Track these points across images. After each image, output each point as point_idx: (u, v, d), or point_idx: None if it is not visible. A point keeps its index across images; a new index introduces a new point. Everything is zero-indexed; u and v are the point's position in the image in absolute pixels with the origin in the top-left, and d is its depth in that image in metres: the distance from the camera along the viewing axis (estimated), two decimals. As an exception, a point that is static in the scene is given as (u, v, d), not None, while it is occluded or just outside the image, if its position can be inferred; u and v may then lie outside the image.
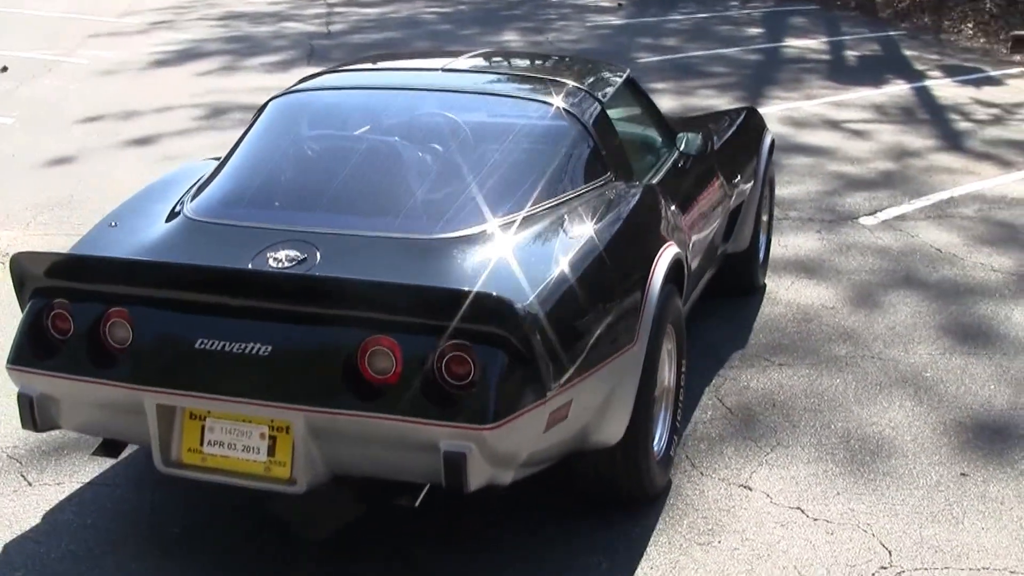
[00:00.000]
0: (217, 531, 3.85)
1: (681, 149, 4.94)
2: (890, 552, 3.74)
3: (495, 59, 5.30)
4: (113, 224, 3.93)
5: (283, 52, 13.33)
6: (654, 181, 4.47)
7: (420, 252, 3.51)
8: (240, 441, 3.29)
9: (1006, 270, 6.60)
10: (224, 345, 3.22)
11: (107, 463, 4.19)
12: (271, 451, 3.26)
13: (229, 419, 3.29)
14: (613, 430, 3.52)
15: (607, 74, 4.91)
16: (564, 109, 4.25)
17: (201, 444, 3.33)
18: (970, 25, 17.16)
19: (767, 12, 18.60)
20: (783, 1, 20.07)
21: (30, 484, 4.06)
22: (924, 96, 12.04)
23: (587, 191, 3.97)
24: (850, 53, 14.81)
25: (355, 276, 3.29)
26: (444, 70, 4.73)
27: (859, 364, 5.24)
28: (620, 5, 18.70)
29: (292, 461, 3.23)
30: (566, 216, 3.75)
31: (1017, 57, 14.90)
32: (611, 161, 4.19)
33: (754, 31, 16.48)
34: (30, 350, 3.39)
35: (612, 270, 3.60)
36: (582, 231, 3.66)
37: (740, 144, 5.68)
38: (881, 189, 8.28)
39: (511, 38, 14.85)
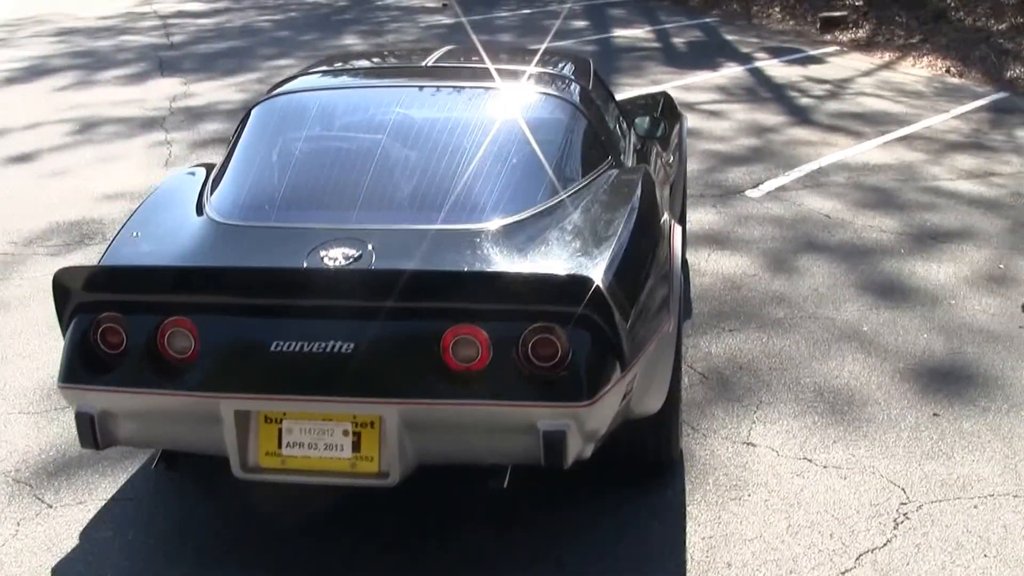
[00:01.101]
0: (264, 537, 3.84)
1: (640, 133, 5.13)
2: (903, 489, 4.02)
3: (467, 55, 5.39)
4: (136, 235, 3.83)
5: (133, 64, 13.03)
6: (631, 164, 4.64)
7: (471, 242, 3.57)
8: (322, 440, 3.29)
9: (893, 230, 7.04)
10: (303, 345, 3.20)
11: (119, 478, 4.15)
12: (356, 447, 3.28)
13: (308, 419, 3.29)
14: (656, 400, 3.69)
15: (579, 63, 5.07)
16: (564, 98, 4.40)
17: (279, 447, 3.31)
18: (777, 9, 17.94)
19: (586, 6, 19.03)
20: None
21: (51, 506, 3.98)
22: (759, 76, 12.59)
23: (598, 176, 4.11)
24: (677, 40, 15.33)
25: (415, 269, 3.34)
26: (428, 66, 4.78)
27: (801, 324, 5.55)
28: (445, 5, 18.86)
29: (380, 455, 3.26)
30: (591, 200, 3.88)
31: (828, 36, 15.66)
32: (608, 146, 4.37)
33: (580, 24, 16.86)
34: (84, 367, 3.30)
35: (648, 249, 3.76)
36: (612, 215, 3.79)
37: (668, 126, 5.93)
38: (754, 163, 8.67)
39: (352, 41, 14.84)
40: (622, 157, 4.49)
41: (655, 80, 12.10)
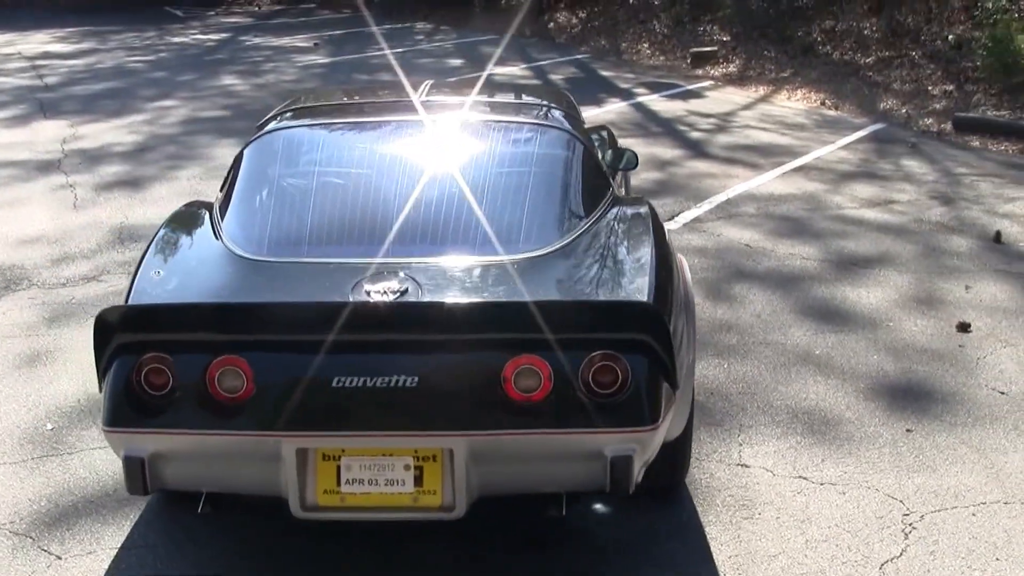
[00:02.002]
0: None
1: (608, 164, 5.27)
2: (901, 501, 4.21)
3: (453, 89, 5.45)
4: (158, 273, 3.72)
5: (12, 107, 12.71)
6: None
7: (512, 274, 3.62)
8: (382, 476, 3.29)
9: (815, 258, 7.33)
10: (365, 381, 3.20)
11: (123, 525, 4.08)
12: (418, 481, 3.29)
13: (367, 455, 3.28)
14: (680, 424, 3.80)
15: (562, 96, 5.19)
16: (568, 131, 4.49)
17: (338, 484, 3.30)
18: (646, 45, 18.42)
19: (457, 43, 19.27)
20: (466, 33, 20.84)
21: (60, 558, 3.89)
22: (644, 111, 12.92)
23: (608, 206, 4.22)
24: (555, 77, 15.61)
25: (476, 301, 3.39)
26: (425, 101, 4.83)
27: (755, 350, 5.74)
28: (316, 45, 18.87)
29: (443, 487, 3.28)
30: (611, 230, 3.99)
31: (700, 71, 16.14)
32: (607, 177, 4.49)
33: (456, 61, 17.05)
34: (132, 409, 3.23)
35: (672, 278, 3.88)
36: (636, 244, 3.90)
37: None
38: (664, 196, 8.91)
39: (231, 81, 14.74)
40: (614, 188, 4.62)
41: (548, 116, 12.26)
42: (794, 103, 13.63)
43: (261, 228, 3.89)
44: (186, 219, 4.20)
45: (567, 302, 3.44)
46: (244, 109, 12.65)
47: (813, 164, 10.13)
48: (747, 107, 13.32)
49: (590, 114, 12.19)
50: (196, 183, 9.17)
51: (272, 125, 4.54)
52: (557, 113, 4.71)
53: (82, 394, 5.15)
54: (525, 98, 4.99)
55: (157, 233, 4.08)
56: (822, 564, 3.77)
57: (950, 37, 14.46)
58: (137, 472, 3.27)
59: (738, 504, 4.16)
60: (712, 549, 3.89)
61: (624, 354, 3.23)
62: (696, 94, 14.17)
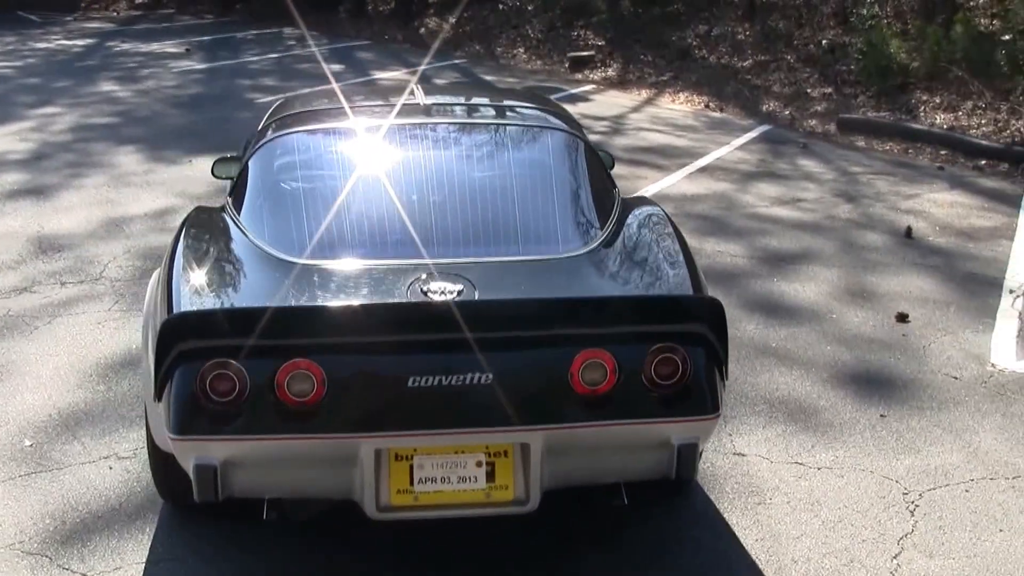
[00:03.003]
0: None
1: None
2: (896, 481, 4.42)
3: (450, 92, 5.47)
4: (198, 279, 3.61)
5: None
6: None
7: (562, 271, 3.71)
8: (454, 473, 3.33)
9: (743, 255, 7.58)
10: (440, 379, 3.22)
11: (140, 538, 4.01)
12: (490, 477, 3.34)
13: (439, 453, 3.31)
14: None
15: (548, 99, 5.27)
16: (576, 134, 4.58)
17: (411, 483, 3.32)
18: (522, 50, 18.61)
19: (331, 49, 19.17)
20: (336, 38, 20.73)
21: None
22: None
23: (620, 205, 4.34)
24: (442, 82, 15.65)
25: (544, 297, 3.47)
26: (427, 105, 4.86)
27: (714, 344, 5.91)
28: (187, 50, 18.57)
29: (514, 482, 3.34)
30: (636, 228, 4.10)
31: (579, 76, 16.40)
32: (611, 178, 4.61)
33: (336, 67, 16.95)
34: (202, 417, 3.18)
35: (699, 271, 4.01)
36: (664, 241, 4.01)
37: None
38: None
39: (111, 88, 14.41)
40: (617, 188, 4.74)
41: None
42: (679, 106, 13.95)
43: (301, 232, 3.86)
44: (205, 226, 4.12)
45: (632, 297, 3.54)
46: (133, 116, 12.41)
47: (716, 165, 10.40)
48: (635, 110, 13.59)
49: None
50: (106, 191, 8.98)
51: (282, 129, 4.50)
52: (556, 116, 4.80)
53: (50, 407, 5.03)
54: (519, 101, 5.06)
55: (178, 242, 3.99)
56: (844, 543, 3.94)
57: (824, 42, 14.97)
58: (209, 480, 3.24)
59: (747, 491, 4.31)
60: (736, 533, 4.01)
61: (684, 346, 3.33)
62: (582, 98, 14.39)
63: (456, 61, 17.85)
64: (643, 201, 4.46)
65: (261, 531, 3.99)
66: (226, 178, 5.14)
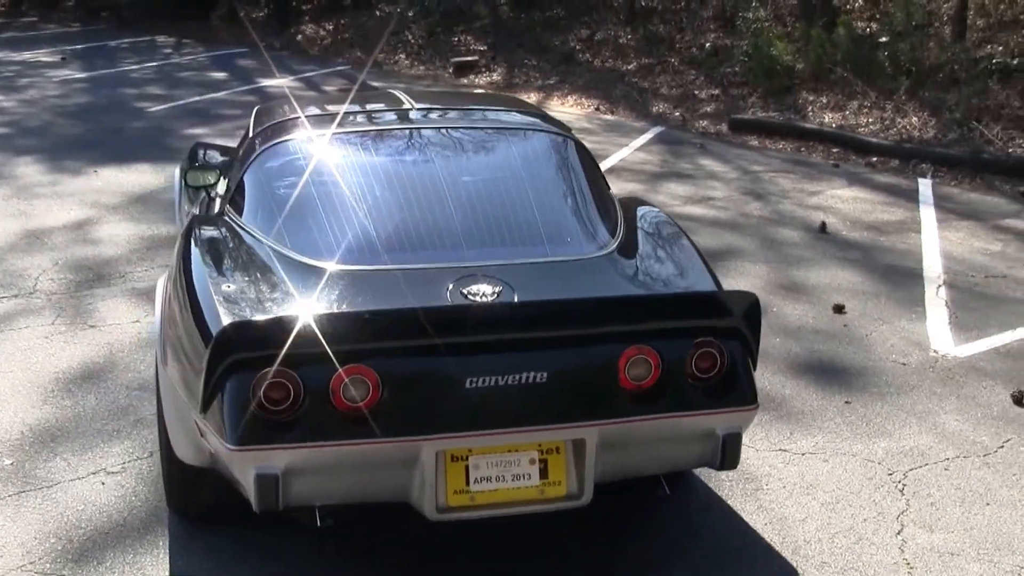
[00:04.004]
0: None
1: None
2: (879, 463, 4.64)
3: (443, 100, 5.51)
4: (228, 287, 3.59)
5: None
6: None
7: (592, 271, 3.80)
8: (508, 471, 3.39)
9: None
10: (497, 379, 3.28)
11: (155, 552, 3.97)
12: (543, 473, 3.40)
13: (494, 452, 3.36)
14: None
15: (531, 104, 5.37)
16: (572, 138, 4.70)
17: (467, 484, 3.36)
18: (403, 56, 18.66)
19: (211, 57, 18.94)
20: (213, 46, 20.48)
21: (110, 592, 3.80)
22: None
23: (620, 204, 4.47)
24: (330, 88, 15.64)
25: (591, 296, 3.56)
26: (422, 110, 4.90)
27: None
28: (64, 59, 18.16)
29: (567, 477, 3.42)
30: (646, 227, 4.23)
31: (464, 80, 16.53)
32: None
33: (220, 75, 16.78)
34: (261, 427, 3.16)
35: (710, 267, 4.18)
36: (676, 239, 4.16)
37: None
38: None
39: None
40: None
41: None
42: (569, 108, 14.17)
43: (328, 237, 3.85)
44: (215, 236, 4.06)
45: (676, 294, 3.68)
46: (24, 126, 12.13)
47: (621, 167, 10.61)
48: (530, 114, 13.71)
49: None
50: (16, 203, 8.79)
51: (282, 134, 4.48)
52: (547, 119, 4.91)
53: (20, 424, 4.94)
54: (506, 105, 5.15)
55: (190, 254, 3.95)
56: (847, 523, 4.13)
57: (707, 45, 15.36)
58: (271, 489, 3.22)
59: (742, 478, 4.47)
60: (745, 519, 4.17)
61: (721, 340, 3.47)
62: (474, 103, 14.46)
63: (340, 68, 17.80)
64: (636, 201, 4.60)
65: (276, 537, 4.02)
66: (201, 187, 5.10)
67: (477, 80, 16.39)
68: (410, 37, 19.42)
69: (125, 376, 5.47)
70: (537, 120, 4.85)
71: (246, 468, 3.24)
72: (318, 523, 3.39)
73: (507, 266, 3.72)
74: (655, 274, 3.91)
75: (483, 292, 3.54)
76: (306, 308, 3.44)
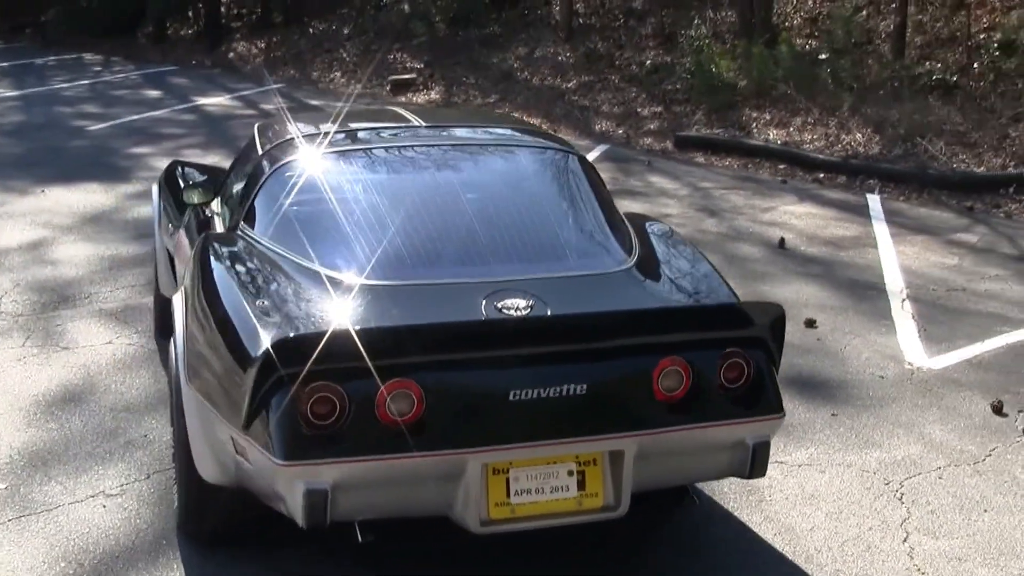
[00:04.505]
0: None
1: None
2: (874, 473, 4.74)
3: (446, 116, 5.52)
4: (262, 304, 3.59)
5: None
6: None
7: (617, 284, 3.86)
8: (548, 483, 3.41)
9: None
10: (540, 392, 3.31)
11: (171, 573, 3.99)
12: (581, 485, 3.44)
13: (533, 464, 3.39)
14: None
15: (525, 121, 5.42)
16: (576, 154, 4.75)
17: (508, 496, 3.38)
18: (339, 74, 18.63)
19: (142, 75, 18.79)
20: (142, 64, 20.29)
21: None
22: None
23: (626, 217, 4.54)
24: (268, 106, 15.55)
25: (628, 309, 3.62)
26: (428, 126, 4.91)
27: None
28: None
29: (603, 488, 3.46)
30: (657, 240, 4.30)
31: (402, 99, 16.53)
32: None
33: (154, 93, 16.65)
34: (309, 442, 3.17)
35: None
36: (685, 251, 4.25)
37: None
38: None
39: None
40: None
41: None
42: (514, 127, 14.19)
43: (357, 253, 3.85)
44: (235, 253, 4.04)
45: (709, 305, 3.76)
46: (-36, 147, 11.92)
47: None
48: (475, 132, 13.76)
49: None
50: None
51: (294, 152, 4.48)
52: (553, 137, 4.96)
53: (8, 448, 4.86)
54: (507, 122, 5.21)
55: (210, 272, 3.93)
56: (854, 531, 4.23)
57: (647, 62, 15.52)
58: (320, 505, 3.21)
59: (745, 490, 4.54)
60: (756, 529, 4.24)
61: (747, 350, 3.54)
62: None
63: (277, 86, 17.71)
64: (641, 216, 4.67)
65: (292, 551, 4.04)
66: (200, 204, 5.08)
67: (416, 98, 16.41)
68: (345, 55, 19.39)
69: (107, 398, 5.41)
70: (542, 138, 4.90)
71: (294, 484, 3.22)
72: (359, 539, 3.38)
73: (535, 280, 3.77)
74: (678, 287, 3.98)
75: (517, 306, 3.57)
76: (348, 323, 3.44)
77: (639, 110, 14.27)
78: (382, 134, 4.82)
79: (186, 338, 3.89)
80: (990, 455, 4.91)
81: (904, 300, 7.13)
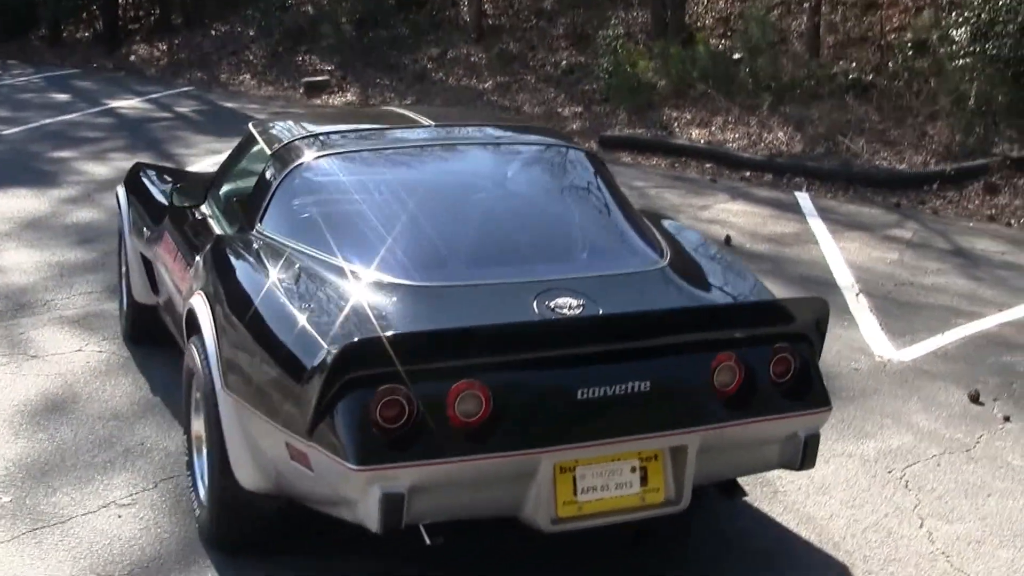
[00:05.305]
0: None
1: None
2: (876, 462, 4.90)
3: (455, 115, 5.51)
4: (309, 307, 3.56)
5: None
6: None
7: (659, 282, 3.92)
8: (612, 480, 3.45)
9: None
10: (606, 390, 3.36)
11: None
12: (643, 481, 3.49)
13: (598, 462, 3.42)
14: None
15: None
16: (595, 155, 4.82)
17: (575, 494, 3.41)
18: (248, 76, 18.43)
19: (45, 78, 18.38)
20: (42, 67, 19.84)
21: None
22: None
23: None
24: (183, 110, 15.37)
25: (687, 306, 3.72)
26: (439, 126, 4.88)
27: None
28: None
29: (664, 483, 3.52)
30: (676, 236, 4.39)
31: (318, 100, 16.45)
32: None
33: (62, 96, 16.30)
34: (383, 445, 3.16)
35: None
36: (710, 247, 4.35)
37: None
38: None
39: None
40: None
41: (213, 149, 12.18)
42: (435, 128, 14.20)
43: (398, 255, 3.84)
44: (262, 256, 4.01)
45: (762, 302, 3.87)
46: None
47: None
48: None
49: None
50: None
51: (311, 152, 4.42)
52: (562, 137, 5.03)
53: (1, 458, 4.79)
54: (513, 122, 5.26)
55: (239, 276, 3.92)
56: (871, 518, 4.37)
57: (563, 63, 15.65)
58: (396, 508, 3.20)
59: (758, 483, 4.65)
60: (778, 520, 4.35)
61: (794, 344, 3.65)
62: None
63: (187, 88, 17.47)
64: (656, 214, 4.77)
65: (326, 553, 4.05)
66: (190, 206, 5.02)
67: (331, 100, 16.31)
68: (251, 57, 19.17)
69: (92, 406, 5.32)
70: (557, 137, 4.97)
71: (369, 488, 3.21)
72: (427, 541, 3.37)
73: (581, 279, 3.82)
74: (714, 284, 4.07)
75: (568, 305, 3.62)
76: (412, 325, 3.46)
77: (560, 110, 14.39)
78: (398, 134, 4.81)
79: (219, 344, 3.84)
80: (979, 443, 5.10)
81: (858, 295, 7.34)
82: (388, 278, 3.73)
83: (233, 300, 3.84)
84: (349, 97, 16.36)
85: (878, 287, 7.56)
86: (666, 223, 4.58)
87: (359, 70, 17.42)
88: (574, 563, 4.04)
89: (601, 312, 3.61)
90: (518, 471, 3.32)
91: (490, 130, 4.95)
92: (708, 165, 11.83)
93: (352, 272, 3.79)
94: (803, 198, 10.49)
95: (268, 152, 4.53)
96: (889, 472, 4.77)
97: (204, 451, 4.14)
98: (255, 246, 4.09)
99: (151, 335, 5.90)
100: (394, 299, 3.63)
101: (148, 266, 5.61)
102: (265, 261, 3.97)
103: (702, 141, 12.41)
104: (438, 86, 16.23)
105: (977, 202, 10.11)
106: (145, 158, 11.24)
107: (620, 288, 3.84)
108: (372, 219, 4.05)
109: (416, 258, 3.84)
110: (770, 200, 10.44)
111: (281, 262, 3.93)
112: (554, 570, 4.03)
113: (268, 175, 4.42)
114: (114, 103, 15.50)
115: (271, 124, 5.02)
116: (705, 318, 3.64)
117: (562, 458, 3.36)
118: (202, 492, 4.14)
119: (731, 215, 9.70)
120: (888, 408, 5.45)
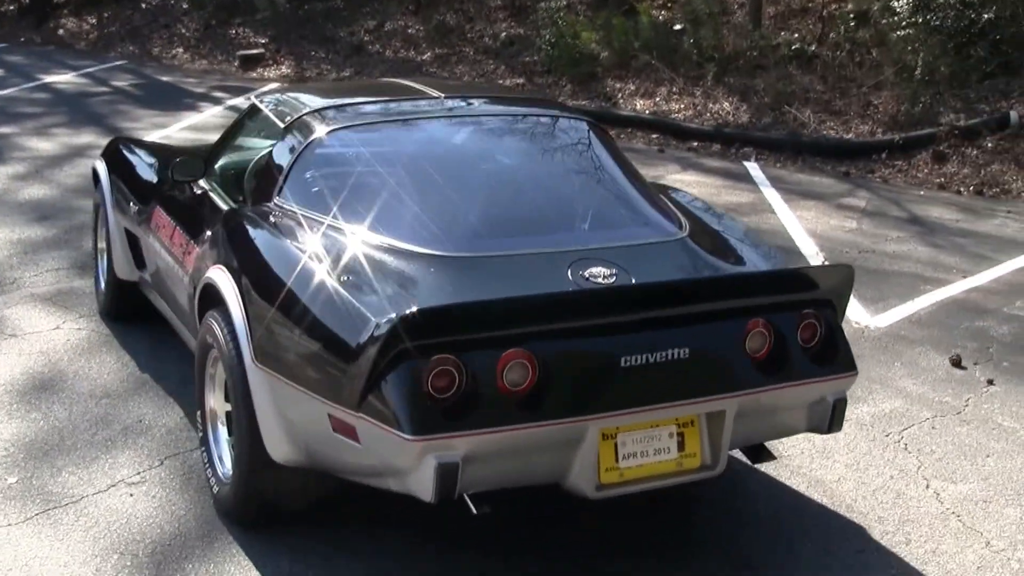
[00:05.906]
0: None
1: None
2: (872, 426, 5.02)
3: (461, 87, 5.51)
4: (348, 279, 3.55)
5: None
6: None
7: (682, 250, 3.97)
8: (651, 446, 3.51)
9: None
10: (648, 357, 3.41)
11: (238, 560, 3.94)
12: (681, 446, 3.55)
13: (638, 428, 3.48)
14: None
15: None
16: (600, 125, 4.85)
17: (616, 460, 3.46)
18: (181, 50, 18.16)
19: (-30, 51, 17.94)
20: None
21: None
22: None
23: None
24: (120, 84, 15.11)
25: (721, 274, 3.79)
26: (452, 97, 4.87)
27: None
28: None
29: (701, 449, 3.58)
30: (691, 207, 4.46)
31: (253, 74, 16.27)
32: None
33: (-7, 71, 15.94)
34: (437, 415, 3.16)
35: None
36: (721, 217, 4.43)
37: None
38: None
39: None
40: None
41: (158, 123, 12.01)
42: (376, 101, 14.12)
43: (429, 225, 3.84)
44: (288, 228, 3.98)
45: (790, 269, 3.97)
46: None
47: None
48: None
49: (200, 120, 12.08)
50: None
51: (332, 123, 4.38)
52: (568, 108, 5.06)
53: (7, 436, 4.73)
54: (518, 94, 5.28)
55: (263, 248, 3.91)
56: (878, 480, 4.49)
57: (503, 35, 15.63)
58: (452, 478, 3.19)
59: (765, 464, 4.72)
60: (783, 483, 4.46)
61: (819, 310, 3.74)
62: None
63: (119, 63, 17.18)
64: (663, 185, 4.83)
65: (344, 530, 4.06)
66: (188, 180, 4.97)
67: (266, 74, 16.15)
68: (184, 31, 18.87)
69: (81, 384, 5.27)
70: (568, 110, 5.02)
71: (423, 458, 3.21)
72: (474, 511, 3.39)
73: (610, 249, 3.86)
74: (735, 251, 4.14)
75: (602, 274, 3.67)
76: (459, 295, 3.48)
77: (501, 82, 14.37)
78: (413, 106, 4.79)
79: (247, 317, 3.82)
80: (967, 406, 5.24)
81: (824, 263, 7.45)
82: (423, 249, 3.73)
83: (263, 273, 3.82)
84: (284, 70, 16.19)
85: (843, 255, 7.70)
86: (674, 193, 4.64)
87: (294, 43, 17.24)
88: (585, 530, 4.11)
89: (634, 281, 3.64)
90: (567, 438, 3.36)
91: (500, 102, 4.96)
92: (655, 136, 11.93)
93: (386, 244, 3.77)
94: (753, 168, 10.62)
95: (281, 125, 4.49)
96: (887, 435, 4.88)
97: (222, 427, 4.12)
98: (274, 219, 4.07)
99: (133, 312, 5.83)
100: (432, 270, 3.64)
101: (133, 242, 5.54)
102: (291, 234, 3.94)
103: (647, 112, 12.49)
104: (375, 58, 16.13)
105: (926, 171, 10.31)
106: (91, 134, 11.08)
107: (647, 257, 3.89)
108: (401, 191, 4.04)
109: (449, 229, 3.85)
110: (721, 170, 10.56)
111: (309, 235, 3.90)
112: (566, 535, 4.09)
113: (285, 148, 4.38)
114: (49, 78, 15.19)
115: (279, 97, 4.97)
116: (739, 285, 3.72)
117: (607, 425, 3.40)
118: (220, 468, 4.11)
119: (684, 185, 9.69)
120: (874, 373, 5.58)
